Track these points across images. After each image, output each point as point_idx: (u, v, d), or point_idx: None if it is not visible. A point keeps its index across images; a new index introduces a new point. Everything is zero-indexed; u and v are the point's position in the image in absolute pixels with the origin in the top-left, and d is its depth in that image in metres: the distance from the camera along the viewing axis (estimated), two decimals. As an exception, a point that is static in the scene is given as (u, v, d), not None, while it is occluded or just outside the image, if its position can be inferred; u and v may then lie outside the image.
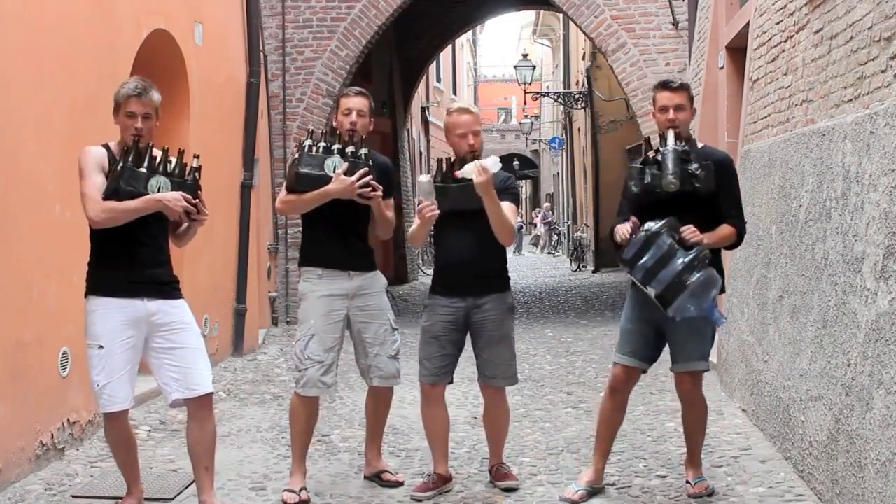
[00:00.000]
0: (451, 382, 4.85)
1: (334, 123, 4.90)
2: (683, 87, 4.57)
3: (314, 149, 4.72)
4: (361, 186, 4.63)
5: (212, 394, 4.33)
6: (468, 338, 4.81)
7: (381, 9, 12.17)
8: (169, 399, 4.28)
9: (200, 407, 4.27)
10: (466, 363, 5.03)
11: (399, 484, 4.88)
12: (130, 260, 4.16)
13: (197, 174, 4.28)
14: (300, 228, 5.17)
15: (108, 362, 4.10)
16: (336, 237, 4.76)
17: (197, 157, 4.32)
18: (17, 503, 4.74)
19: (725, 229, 4.52)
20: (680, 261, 4.27)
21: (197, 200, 4.22)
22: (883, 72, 4.11)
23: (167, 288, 4.26)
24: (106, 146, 4.24)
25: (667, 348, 4.64)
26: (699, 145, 4.64)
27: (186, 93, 7.88)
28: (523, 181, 56.36)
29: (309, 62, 12.27)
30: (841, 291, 4.33)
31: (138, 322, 4.15)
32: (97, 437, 5.76)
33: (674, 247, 4.29)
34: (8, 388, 5.01)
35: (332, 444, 5.84)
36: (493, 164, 4.50)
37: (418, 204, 4.64)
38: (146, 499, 4.52)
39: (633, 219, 4.41)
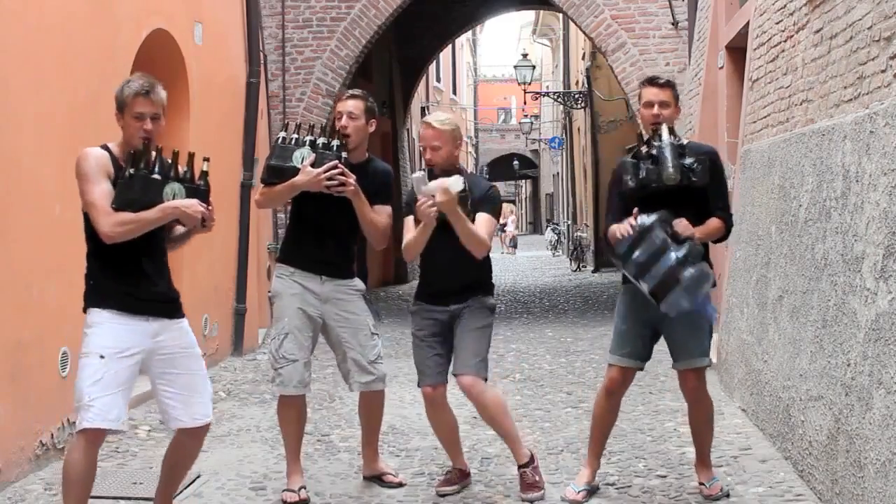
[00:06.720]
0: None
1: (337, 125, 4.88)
2: (669, 85, 4.59)
3: (287, 140, 4.71)
4: (331, 178, 4.54)
5: (210, 423, 4.11)
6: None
7: (380, 9, 12.19)
8: (169, 425, 4.08)
9: (195, 435, 4.06)
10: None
11: (400, 485, 4.88)
12: (135, 273, 3.85)
13: (207, 178, 3.98)
14: None
15: (106, 374, 3.74)
16: (315, 239, 4.73)
17: (207, 160, 4.03)
18: (17, 503, 4.74)
19: (714, 223, 4.52)
20: (673, 256, 4.26)
21: (211, 207, 3.92)
22: (883, 71, 4.10)
23: (170, 307, 3.99)
24: (105, 147, 3.86)
25: (664, 347, 4.64)
26: (684, 141, 4.65)
27: (186, 93, 7.88)
28: (523, 181, 56.44)
29: (309, 62, 12.28)
30: (841, 291, 4.33)
31: (143, 341, 3.86)
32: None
33: (666, 241, 4.29)
34: (8, 388, 5.02)
35: (331, 443, 5.84)
36: (454, 183, 4.43)
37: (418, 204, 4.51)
38: (146, 499, 4.51)
39: (636, 212, 4.36)
